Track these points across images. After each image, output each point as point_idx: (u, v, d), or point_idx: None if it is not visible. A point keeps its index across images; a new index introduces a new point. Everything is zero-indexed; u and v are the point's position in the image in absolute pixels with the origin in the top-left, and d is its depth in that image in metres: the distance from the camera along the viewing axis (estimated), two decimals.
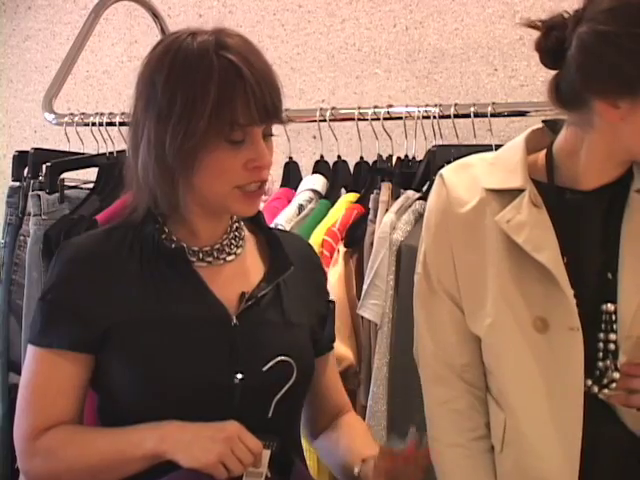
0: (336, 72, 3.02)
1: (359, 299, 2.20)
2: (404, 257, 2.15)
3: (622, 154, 1.54)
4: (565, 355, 1.52)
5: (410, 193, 2.30)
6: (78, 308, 1.52)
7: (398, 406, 2.14)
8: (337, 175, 2.48)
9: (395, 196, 2.30)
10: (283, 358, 1.54)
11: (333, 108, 2.50)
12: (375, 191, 2.31)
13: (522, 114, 2.41)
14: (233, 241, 1.61)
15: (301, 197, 2.43)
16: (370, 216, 2.28)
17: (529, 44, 2.74)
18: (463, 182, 1.60)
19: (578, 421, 1.52)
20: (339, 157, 2.50)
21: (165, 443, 1.45)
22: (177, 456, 1.44)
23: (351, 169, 2.49)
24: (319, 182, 2.46)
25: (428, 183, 2.29)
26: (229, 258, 1.59)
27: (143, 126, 1.51)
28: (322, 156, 2.50)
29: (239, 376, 1.50)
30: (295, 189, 2.48)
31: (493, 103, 2.36)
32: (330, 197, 2.43)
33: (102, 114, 2.73)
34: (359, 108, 2.46)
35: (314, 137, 2.41)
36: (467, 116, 2.36)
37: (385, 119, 2.43)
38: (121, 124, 2.69)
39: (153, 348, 1.50)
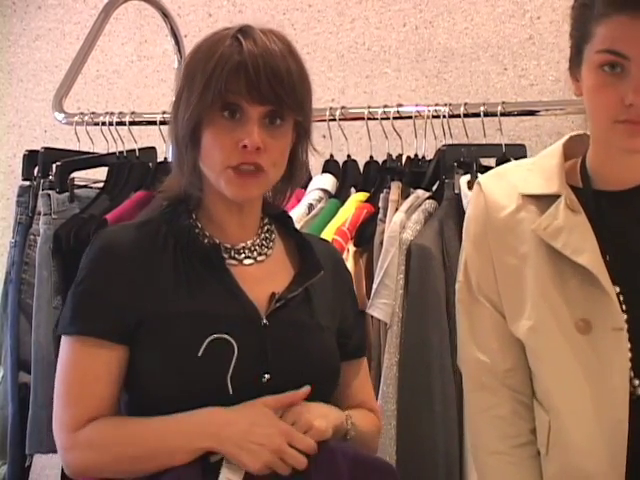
0: (346, 71, 3.02)
1: (369, 298, 2.20)
2: (414, 256, 2.14)
3: (605, 139, 1.53)
4: (609, 355, 1.51)
5: (420, 192, 2.29)
6: (110, 297, 1.52)
7: (408, 405, 2.13)
8: (347, 174, 2.47)
9: (405, 195, 2.29)
10: (310, 360, 1.55)
11: (343, 107, 2.50)
12: (385, 190, 2.30)
13: (532, 113, 2.42)
14: (264, 242, 1.62)
15: (311, 196, 2.43)
16: (380, 215, 2.27)
17: (539, 43, 2.77)
18: (501, 189, 1.61)
19: (623, 421, 1.50)
20: (349, 156, 2.50)
21: (212, 440, 1.46)
22: (225, 453, 1.46)
23: (361, 168, 2.48)
24: (329, 181, 2.45)
25: (438, 182, 2.29)
26: (260, 258, 1.61)
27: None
28: (332, 155, 2.49)
29: (267, 376, 1.51)
30: (305, 188, 2.47)
31: (503, 102, 2.36)
32: (340, 196, 2.42)
33: (112, 113, 2.74)
34: (369, 107, 2.46)
35: (324, 136, 2.41)
36: (477, 115, 2.36)
37: (395, 118, 2.43)
38: (131, 123, 2.70)
39: (183, 342, 1.50)
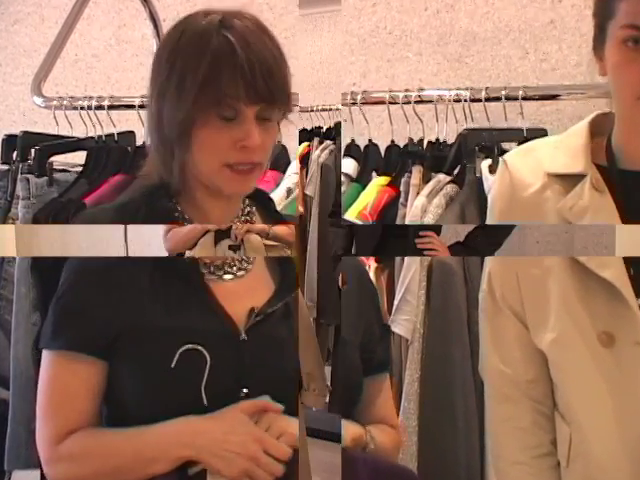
0: (367, 55, 3.01)
1: (390, 314, 2.19)
2: (435, 272, 2.14)
3: (630, 116, 1.52)
4: (632, 370, 1.49)
5: (441, 176, 2.29)
6: (90, 312, 1.51)
7: (429, 422, 2.13)
8: (368, 158, 2.48)
9: (426, 179, 2.30)
10: (290, 376, 1.54)
11: (364, 91, 2.49)
12: (406, 174, 2.31)
13: (553, 97, 2.40)
14: (244, 256, 1.59)
15: (290, 180, 2.44)
16: (401, 199, 2.28)
17: (560, 27, 2.76)
18: (526, 165, 1.59)
19: None
20: (370, 140, 2.50)
21: (188, 449, 1.45)
22: (201, 462, 1.46)
23: (382, 152, 2.48)
24: (350, 165, 2.46)
25: (459, 166, 2.29)
26: (239, 273, 1.58)
27: (150, 98, 1.55)
28: (353, 139, 2.50)
29: (245, 391, 1.50)
30: (283, 172, 2.47)
31: (524, 86, 2.35)
32: (361, 180, 2.43)
33: (91, 97, 2.73)
34: (390, 91, 2.45)
35: (345, 120, 2.41)
36: (498, 99, 2.34)
37: (416, 102, 2.42)
38: (110, 107, 2.69)
39: (158, 355, 1.49)
